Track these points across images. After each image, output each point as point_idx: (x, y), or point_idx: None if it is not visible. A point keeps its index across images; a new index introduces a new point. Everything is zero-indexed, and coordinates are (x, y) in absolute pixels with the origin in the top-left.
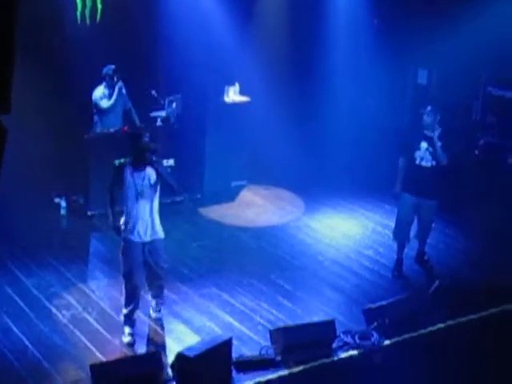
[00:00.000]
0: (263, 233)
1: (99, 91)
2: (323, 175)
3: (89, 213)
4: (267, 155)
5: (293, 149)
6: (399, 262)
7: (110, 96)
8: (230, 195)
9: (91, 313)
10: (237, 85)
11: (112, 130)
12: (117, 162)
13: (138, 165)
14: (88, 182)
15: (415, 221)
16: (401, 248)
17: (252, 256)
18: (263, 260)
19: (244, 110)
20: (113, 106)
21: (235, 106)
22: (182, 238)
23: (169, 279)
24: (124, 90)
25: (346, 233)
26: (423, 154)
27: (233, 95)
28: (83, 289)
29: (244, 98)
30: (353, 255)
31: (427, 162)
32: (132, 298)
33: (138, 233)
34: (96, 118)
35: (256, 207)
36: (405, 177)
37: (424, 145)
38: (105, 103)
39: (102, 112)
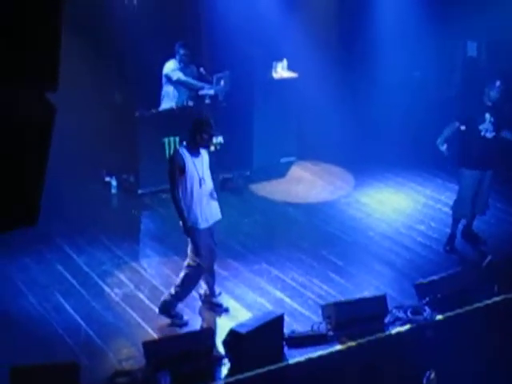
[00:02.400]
0: (313, 209)
1: (171, 64)
2: (372, 149)
3: (139, 191)
4: (316, 131)
5: (341, 123)
6: (452, 236)
7: (182, 70)
8: (280, 171)
9: (143, 290)
10: (285, 60)
11: (174, 106)
12: (175, 153)
13: (194, 148)
14: (138, 160)
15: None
16: (456, 223)
17: (302, 232)
18: (314, 236)
19: (292, 86)
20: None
21: (283, 81)
22: (232, 214)
23: (220, 255)
24: (195, 72)
25: (397, 207)
26: (487, 126)
27: (281, 71)
28: (135, 267)
29: (292, 74)
30: (404, 230)
31: (491, 133)
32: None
33: (207, 219)
34: (165, 90)
35: (306, 183)
36: (466, 152)
37: (487, 116)
38: (177, 74)
39: (174, 84)
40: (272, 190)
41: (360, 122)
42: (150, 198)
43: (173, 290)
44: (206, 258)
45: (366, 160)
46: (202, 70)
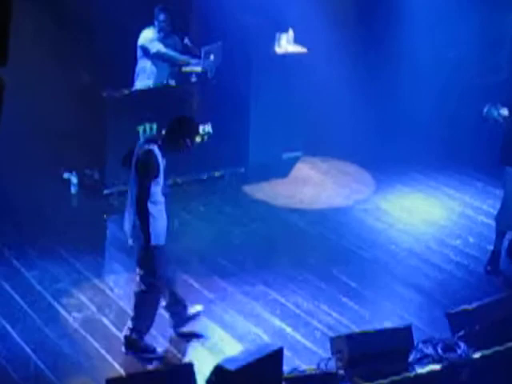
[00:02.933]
0: (323, 216)
1: (149, 33)
2: (396, 144)
3: (105, 191)
4: (327, 120)
5: (359, 111)
6: (496, 254)
7: (161, 41)
8: (282, 169)
9: (108, 315)
10: (291, 31)
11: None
12: (151, 153)
13: (168, 150)
14: (105, 152)
15: None
16: (500, 237)
17: (308, 245)
18: (322, 250)
19: (299, 63)
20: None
21: (288, 57)
22: (222, 222)
23: (205, 273)
24: (179, 43)
25: (427, 217)
26: None
27: (286, 44)
28: (98, 284)
29: (299, 49)
30: (435, 245)
31: None
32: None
33: (165, 232)
34: (141, 65)
35: (314, 185)
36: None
37: None
38: (155, 46)
39: (152, 58)
40: (272, 192)
41: (382, 110)
42: (118, 199)
43: (130, 324)
44: (165, 277)
45: (388, 157)
46: (187, 40)
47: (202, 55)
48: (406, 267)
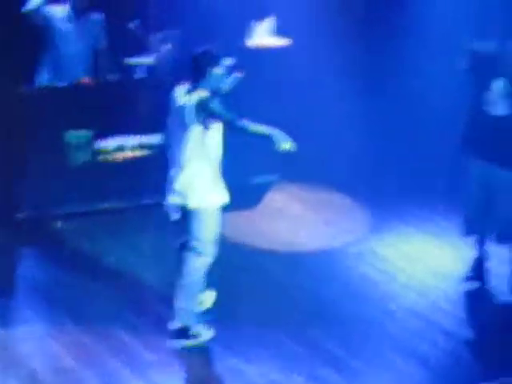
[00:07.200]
0: (300, 261)
1: (57, 10)
2: (401, 172)
3: (18, 215)
4: (312, 135)
5: (355, 127)
6: (478, 263)
7: (76, 23)
8: (249, 198)
9: (13, 379)
10: (270, 20)
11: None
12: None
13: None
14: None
15: None
16: (480, 243)
17: (280, 298)
18: (298, 305)
19: (279, 61)
20: (77, 44)
21: (265, 53)
22: (169, 262)
23: (145, 329)
24: (98, 25)
25: (436, 267)
26: None
27: (263, 36)
28: (3, 338)
29: (280, 41)
30: (445, 304)
31: None
32: None
33: None
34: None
35: (292, 220)
36: None
37: None
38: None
39: (58, 48)
40: (234, 227)
41: (385, 127)
42: (35, 226)
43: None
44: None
45: (390, 189)
46: (134, 24)
47: (154, 45)
48: (406, 331)
